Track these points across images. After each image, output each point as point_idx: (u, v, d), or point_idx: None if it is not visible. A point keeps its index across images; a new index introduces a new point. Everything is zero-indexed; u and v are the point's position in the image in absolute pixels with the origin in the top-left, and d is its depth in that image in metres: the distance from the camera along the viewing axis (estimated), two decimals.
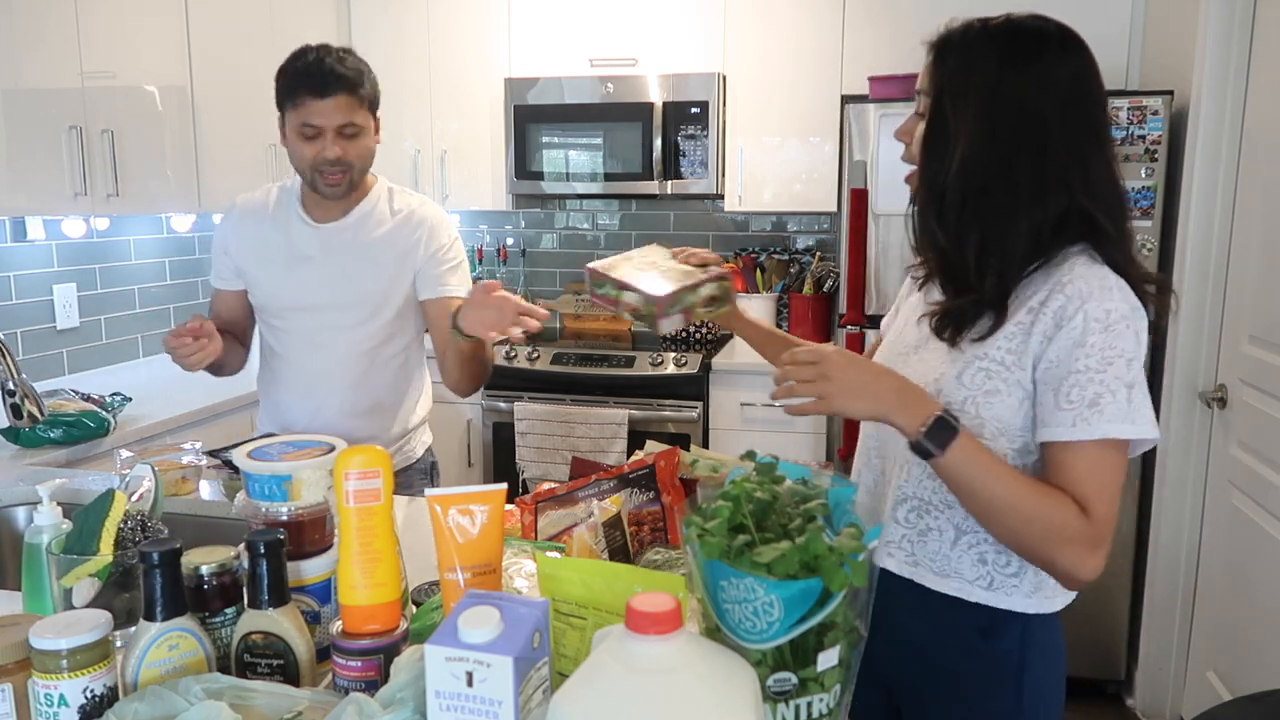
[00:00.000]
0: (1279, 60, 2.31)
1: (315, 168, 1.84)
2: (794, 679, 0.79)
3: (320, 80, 1.78)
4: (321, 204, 1.93)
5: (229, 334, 1.98)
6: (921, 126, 1.20)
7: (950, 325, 1.17)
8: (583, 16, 3.51)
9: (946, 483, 1.10)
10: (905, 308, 1.36)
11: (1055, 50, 1.14)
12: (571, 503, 1.37)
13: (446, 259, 1.97)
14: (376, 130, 1.90)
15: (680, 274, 1.47)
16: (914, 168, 1.22)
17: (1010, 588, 1.17)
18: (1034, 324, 1.11)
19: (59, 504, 1.23)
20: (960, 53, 1.18)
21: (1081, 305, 1.08)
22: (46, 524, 1.20)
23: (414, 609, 1.17)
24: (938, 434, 1.06)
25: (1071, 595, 1.20)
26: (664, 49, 3.45)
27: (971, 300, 1.15)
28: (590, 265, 1.50)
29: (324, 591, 1.09)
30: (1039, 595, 1.18)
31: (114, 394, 2.45)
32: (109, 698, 0.89)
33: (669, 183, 3.43)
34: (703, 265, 1.52)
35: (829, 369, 1.08)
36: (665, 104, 3.38)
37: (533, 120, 3.51)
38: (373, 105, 1.87)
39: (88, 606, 1.04)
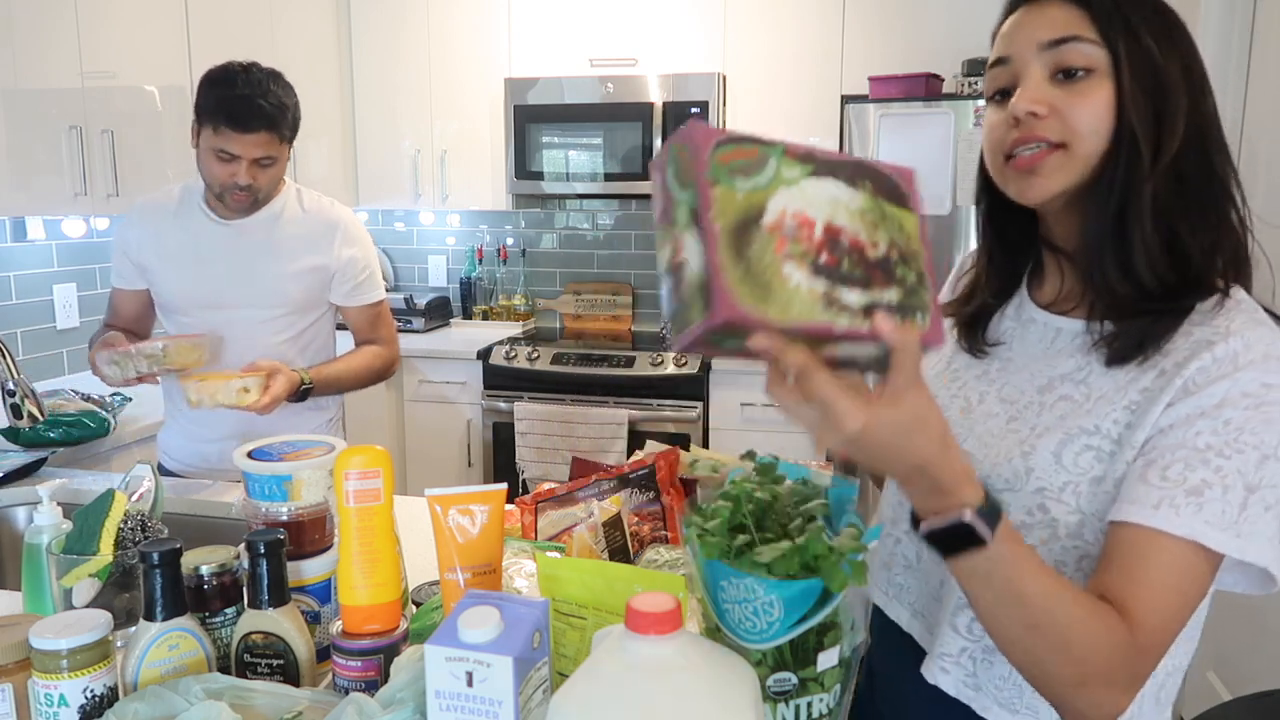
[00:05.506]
0: (1279, 60, 2.31)
1: (224, 188, 1.87)
2: (794, 679, 0.79)
3: (245, 116, 1.79)
4: None
5: (128, 332, 2.04)
6: (1093, 89, 0.85)
7: (1142, 346, 0.86)
8: (583, 16, 3.51)
9: (955, 576, 0.79)
10: (943, 349, 1.06)
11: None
12: (571, 503, 1.37)
13: (362, 268, 2.06)
14: (289, 151, 1.94)
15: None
16: (1049, 150, 0.87)
17: None
18: (1163, 390, 0.83)
19: (59, 504, 1.23)
20: None
21: (1232, 372, 0.81)
22: (46, 524, 1.20)
23: (414, 609, 1.17)
24: (948, 540, 0.75)
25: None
26: (664, 49, 3.46)
27: (1172, 310, 0.86)
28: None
29: (324, 591, 1.09)
30: None
31: (114, 394, 2.44)
32: (109, 698, 0.89)
33: None
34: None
35: (864, 433, 0.68)
36: (665, 104, 3.38)
37: (533, 120, 3.51)
38: (290, 137, 1.90)
39: (88, 606, 1.04)
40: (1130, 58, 0.85)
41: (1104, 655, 0.77)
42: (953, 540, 0.75)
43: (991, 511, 0.74)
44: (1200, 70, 0.87)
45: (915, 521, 0.77)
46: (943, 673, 0.96)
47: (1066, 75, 0.86)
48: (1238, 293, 0.86)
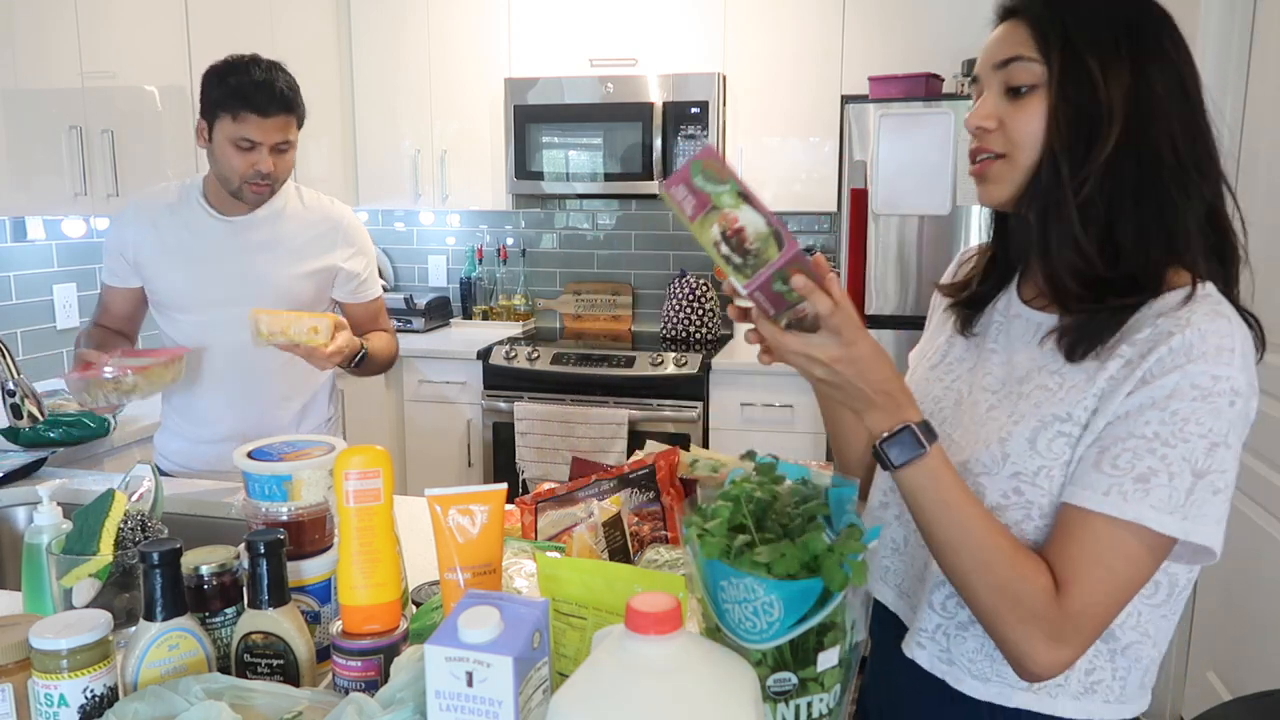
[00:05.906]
0: (1279, 61, 2.31)
1: (245, 179, 1.88)
2: (794, 679, 0.79)
3: (266, 101, 1.82)
4: (229, 199, 1.95)
5: (117, 332, 2.04)
6: (1033, 104, 0.92)
7: (1085, 341, 0.93)
8: (583, 16, 3.51)
9: (904, 493, 0.92)
10: (939, 338, 1.14)
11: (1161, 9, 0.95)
12: (571, 503, 1.37)
13: (364, 265, 2.10)
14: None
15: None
16: (994, 159, 0.96)
17: (1055, 688, 0.96)
18: (1126, 379, 0.89)
19: (59, 504, 1.23)
20: None
21: (1185, 364, 0.86)
22: (46, 524, 1.20)
23: (414, 609, 1.17)
24: (898, 447, 0.88)
25: (1147, 703, 0.98)
26: (664, 49, 3.46)
27: (1116, 307, 0.92)
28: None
29: (324, 591, 1.09)
30: (1093, 698, 0.95)
31: None
32: (109, 698, 0.89)
33: None
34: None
35: (842, 374, 0.88)
36: (665, 104, 3.38)
37: (533, 120, 3.51)
38: (302, 122, 1.93)
39: (88, 606, 1.04)
40: (1063, 74, 0.90)
41: (1021, 589, 0.87)
42: (901, 449, 0.88)
43: (929, 430, 0.89)
44: (1168, 88, 0.91)
45: (875, 452, 0.90)
46: (919, 648, 1.02)
47: (1015, 92, 0.93)
48: (1206, 287, 0.91)
